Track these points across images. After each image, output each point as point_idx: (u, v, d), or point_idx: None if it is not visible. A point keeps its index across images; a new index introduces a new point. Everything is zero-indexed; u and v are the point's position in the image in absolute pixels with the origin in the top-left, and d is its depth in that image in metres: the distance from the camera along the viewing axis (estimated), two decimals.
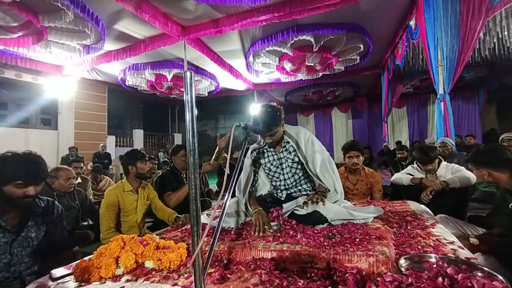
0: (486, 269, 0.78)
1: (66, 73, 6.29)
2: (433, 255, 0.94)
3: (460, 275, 0.54)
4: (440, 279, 0.54)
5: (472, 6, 3.19)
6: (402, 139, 9.35)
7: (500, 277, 0.71)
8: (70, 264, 1.05)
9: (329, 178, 1.46)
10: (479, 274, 0.72)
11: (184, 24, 4.69)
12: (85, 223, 2.53)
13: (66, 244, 1.47)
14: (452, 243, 1.13)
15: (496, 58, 5.60)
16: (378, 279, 0.68)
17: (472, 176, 2.15)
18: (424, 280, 0.57)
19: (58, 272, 0.99)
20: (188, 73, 0.62)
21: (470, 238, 1.53)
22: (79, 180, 2.39)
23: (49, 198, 1.48)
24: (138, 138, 10.00)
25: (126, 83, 7.17)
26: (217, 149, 2.30)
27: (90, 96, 7.93)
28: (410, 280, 0.60)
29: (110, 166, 7.12)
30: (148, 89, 7.61)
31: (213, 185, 5.43)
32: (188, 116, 0.63)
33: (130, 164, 1.95)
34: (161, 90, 7.62)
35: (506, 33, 4.30)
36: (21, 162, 1.20)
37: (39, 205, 1.34)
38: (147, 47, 5.20)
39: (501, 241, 1.46)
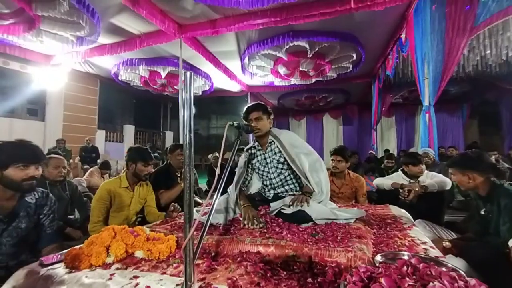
0: (450, 264, 0.87)
1: (55, 62, 6.16)
2: (406, 253, 1.02)
3: (421, 264, 0.62)
4: (404, 267, 0.61)
5: (457, 24, 3.39)
6: (390, 148, 9.62)
7: (462, 272, 0.80)
8: (60, 252, 1.07)
9: (316, 178, 1.53)
10: (444, 269, 0.81)
11: (181, 22, 4.71)
12: (72, 216, 2.50)
13: (55, 237, 1.46)
14: (424, 243, 1.22)
15: (478, 75, 5.90)
16: (354, 270, 0.74)
17: (448, 181, 2.31)
18: (392, 270, 0.64)
19: (48, 259, 1.01)
20: (188, 73, 0.67)
21: (443, 242, 1.64)
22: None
23: (44, 190, 1.46)
24: (129, 133, 9.86)
25: (119, 78, 7.09)
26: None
27: (80, 89, 7.78)
28: (380, 270, 0.67)
29: (98, 160, 6.98)
30: (141, 85, 7.54)
31: (202, 184, 5.44)
32: (186, 114, 0.68)
33: (132, 161, 1.93)
34: (154, 86, 7.57)
35: (488, 51, 4.55)
36: (16, 146, 1.24)
37: (33, 195, 1.35)
38: (143, 43, 5.17)
39: (470, 245, 1.58)
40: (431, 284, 0.53)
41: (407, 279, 0.57)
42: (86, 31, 4.41)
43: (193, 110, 0.70)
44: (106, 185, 1.89)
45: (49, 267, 0.96)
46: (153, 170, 1.99)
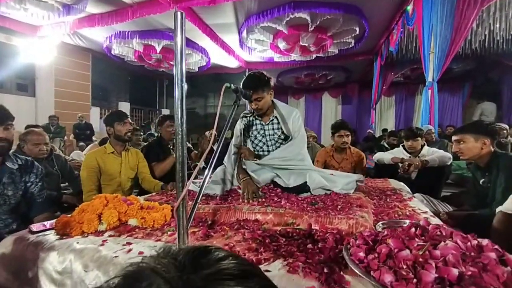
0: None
1: (42, 34, 5.82)
2: (407, 221, 0.99)
3: (430, 226, 0.58)
4: (412, 229, 0.57)
5: None
6: (388, 127, 9.58)
7: None
8: (50, 221, 1.03)
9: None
10: None
11: None
12: (66, 191, 2.46)
13: (46, 206, 1.43)
14: (425, 212, 1.21)
15: (485, 51, 5.71)
16: (357, 234, 0.71)
17: (448, 156, 2.29)
18: (399, 232, 0.60)
19: (37, 226, 0.97)
20: (178, 13, 0.58)
21: (440, 214, 1.64)
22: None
23: (28, 158, 1.42)
24: (124, 111, 9.65)
25: (112, 52, 6.77)
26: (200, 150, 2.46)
27: (72, 63, 7.45)
28: (386, 233, 0.64)
29: (93, 138, 6.89)
30: (135, 60, 7.24)
31: None
32: (179, 43, 0.59)
33: (109, 125, 1.90)
34: (149, 62, 7.28)
35: (497, 25, 4.35)
36: None
37: (15, 161, 1.29)
38: (135, 14, 4.87)
39: (467, 215, 1.58)
40: (442, 243, 0.50)
41: (416, 239, 0.53)
42: None
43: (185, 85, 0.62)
44: (91, 154, 1.87)
45: (39, 234, 0.92)
46: (132, 128, 1.96)
